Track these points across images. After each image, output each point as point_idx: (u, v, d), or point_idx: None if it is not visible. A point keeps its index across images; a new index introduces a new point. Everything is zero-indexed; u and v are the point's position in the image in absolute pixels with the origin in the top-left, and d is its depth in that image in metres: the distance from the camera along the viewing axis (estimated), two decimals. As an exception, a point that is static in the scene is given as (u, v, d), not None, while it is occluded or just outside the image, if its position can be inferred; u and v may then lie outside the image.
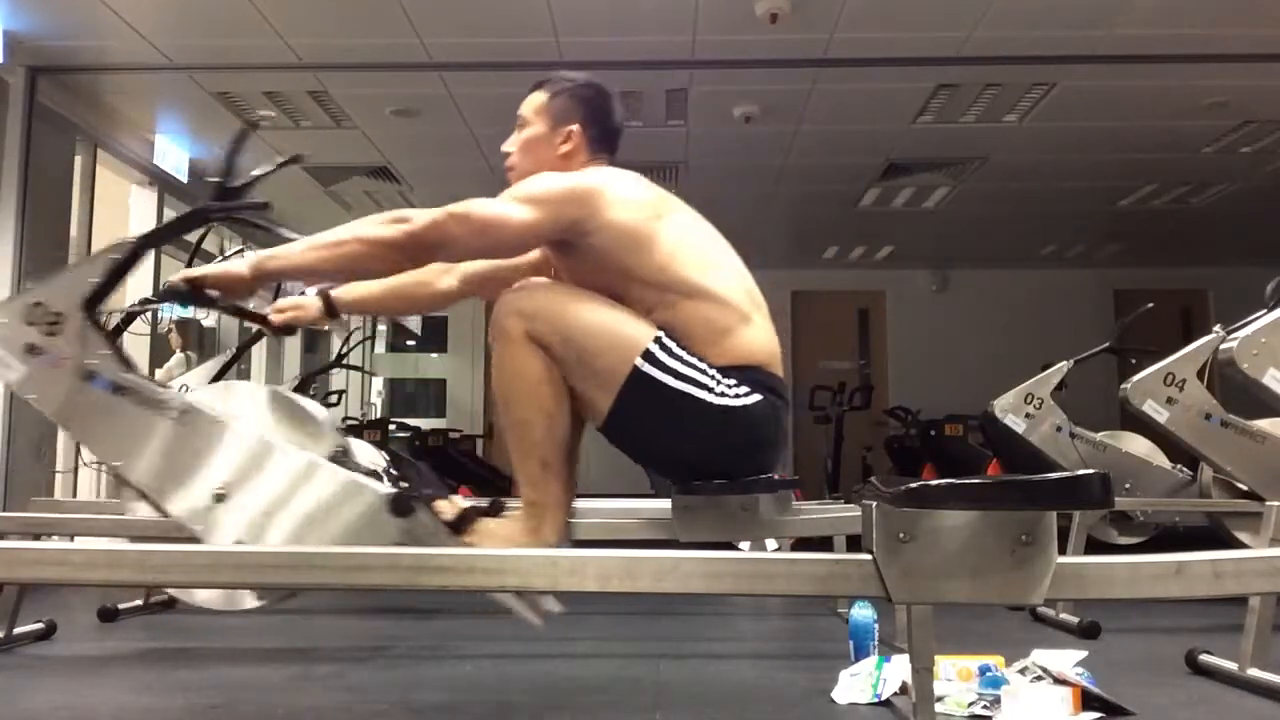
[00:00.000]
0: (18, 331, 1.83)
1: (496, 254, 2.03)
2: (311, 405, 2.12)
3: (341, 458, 1.91)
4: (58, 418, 1.88)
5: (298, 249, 1.79)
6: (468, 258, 2.05)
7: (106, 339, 1.85)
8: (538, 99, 2.07)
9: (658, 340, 1.81)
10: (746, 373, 1.87)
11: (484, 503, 1.91)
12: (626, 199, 1.89)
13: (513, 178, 2.03)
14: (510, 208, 1.82)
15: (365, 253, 1.76)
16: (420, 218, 1.76)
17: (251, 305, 2.11)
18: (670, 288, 1.87)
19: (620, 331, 1.82)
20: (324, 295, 2.23)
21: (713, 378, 1.83)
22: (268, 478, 1.80)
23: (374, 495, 1.77)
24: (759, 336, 1.92)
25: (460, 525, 1.80)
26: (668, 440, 1.87)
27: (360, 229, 1.77)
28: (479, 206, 1.80)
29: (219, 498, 1.80)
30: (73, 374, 1.81)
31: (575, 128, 2.03)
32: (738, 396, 1.84)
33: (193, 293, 1.82)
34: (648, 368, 1.79)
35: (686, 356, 1.82)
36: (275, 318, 2.20)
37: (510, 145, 2.10)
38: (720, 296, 1.90)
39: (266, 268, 1.79)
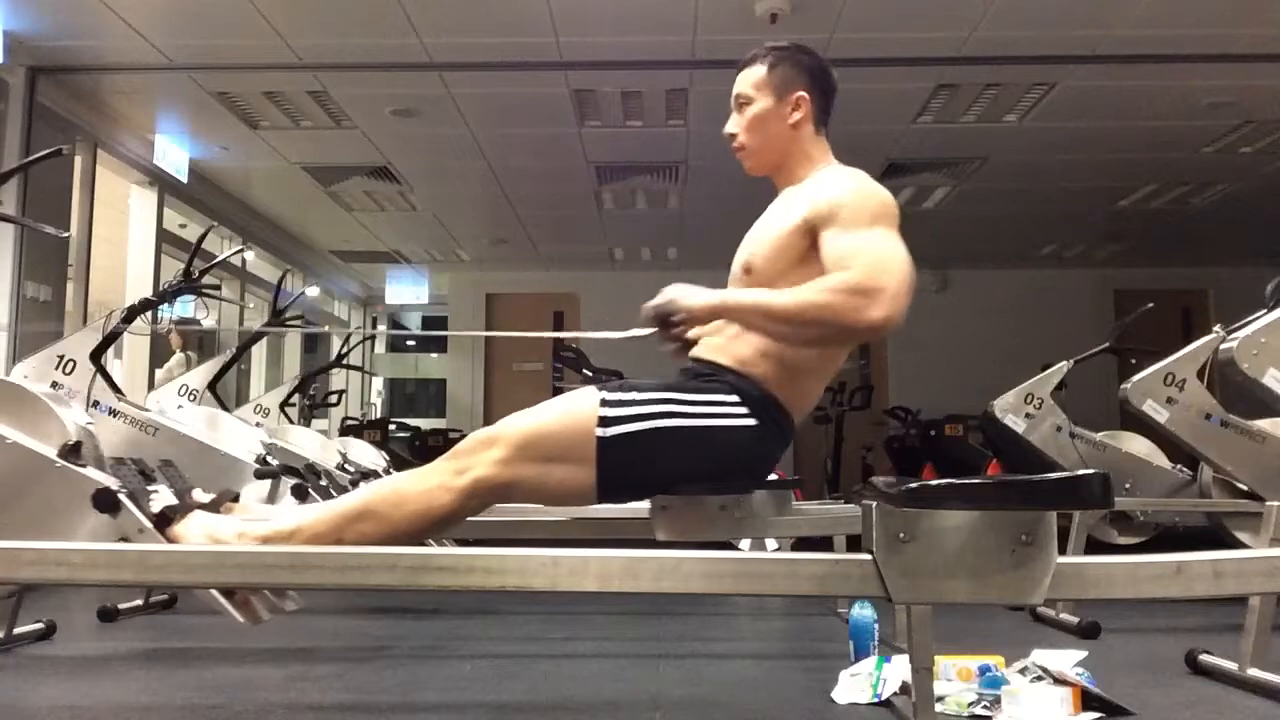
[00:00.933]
0: None
1: None
2: (52, 401, 2.13)
3: (70, 453, 1.93)
4: None
5: (757, 304, 1.77)
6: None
7: None
8: (756, 73, 2.01)
9: (603, 401, 1.78)
10: (760, 401, 1.84)
11: (207, 499, 1.95)
12: None
13: (744, 157, 2.03)
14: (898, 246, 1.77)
15: (825, 338, 1.78)
16: (889, 301, 1.67)
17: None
18: None
19: (565, 418, 1.79)
20: None
21: (676, 400, 1.80)
22: None
23: (79, 490, 1.83)
24: (811, 387, 1.93)
25: (164, 521, 1.81)
26: (658, 475, 1.84)
27: (833, 314, 1.68)
28: (897, 262, 1.73)
29: None
30: None
31: (803, 94, 1.98)
32: (727, 417, 1.81)
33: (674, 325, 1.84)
34: (610, 430, 1.75)
35: (639, 396, 1.79)
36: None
37: (734, 126, 2.03)
38: (834, 365, 1.93)
39: (730, 316, 1.82)
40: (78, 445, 1.97)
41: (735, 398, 1.82)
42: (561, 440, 1.77)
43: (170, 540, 1.79)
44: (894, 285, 1.68)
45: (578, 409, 1.79)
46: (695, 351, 1.95)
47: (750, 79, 2.01)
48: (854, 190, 1.87)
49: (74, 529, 1.84)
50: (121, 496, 1.84)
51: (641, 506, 2.45)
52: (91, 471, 1.92)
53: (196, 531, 1.80)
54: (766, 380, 1.85)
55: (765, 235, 1.95)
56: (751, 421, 1.82)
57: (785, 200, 2.00)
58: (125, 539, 1.81)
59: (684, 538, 2.09)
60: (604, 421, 1.76)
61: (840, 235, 1.78)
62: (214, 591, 1.78)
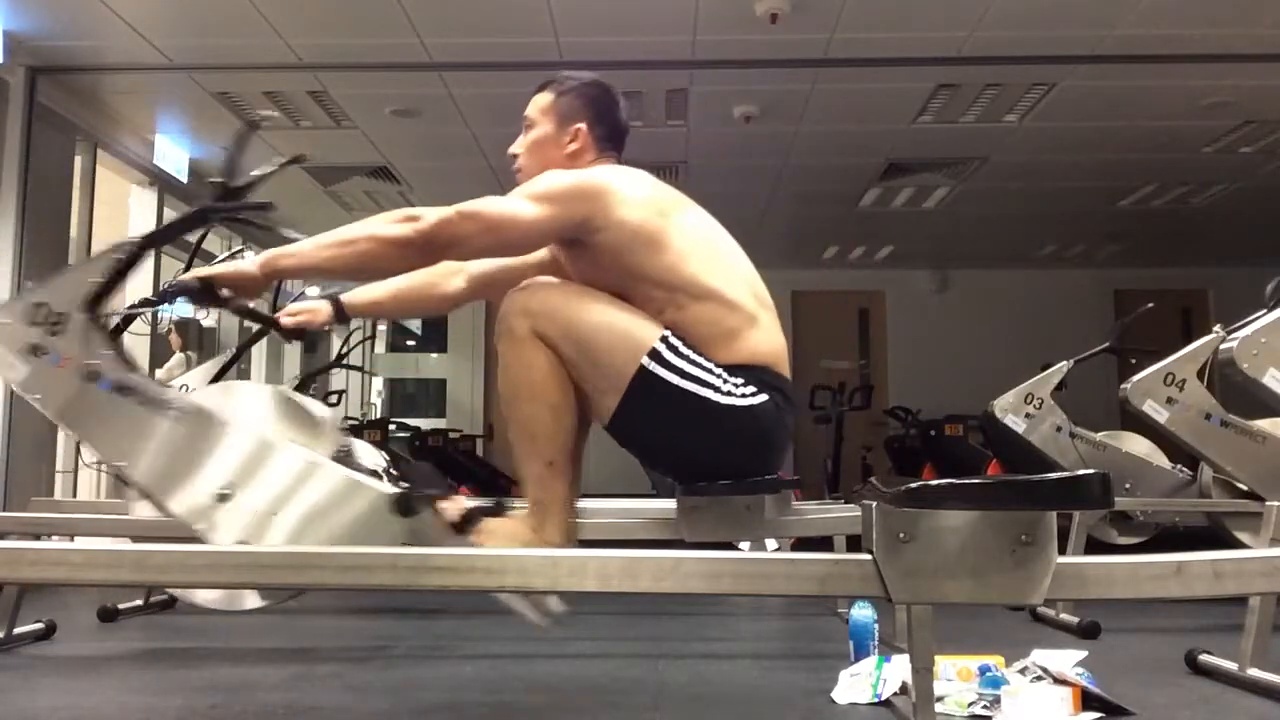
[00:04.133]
0: (20, 332, 1.83)
1: (506, 252, 2.03)
2: (314, 404, 2.14)
3: (344, 458, 1.92)
4: (60, 418, 1.88)
5: (308, 248, 1.78)
6: (477, 256, 2.04)
7: (109, 339, 1.85)
8: (543, 99, 2.08)
9: (664, 339, 1.81)
10: (753, 373, 1.87)
11: (488, 502, 1.91)
12: (636, 197, 1.89)
13: (521, 179, 2.04)
14: (519, 205, 1.82)
15: (375, 251, 1.75)
16: (430, 215, 1.75)
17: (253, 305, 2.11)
18: (679, 288, 1.87)
19: (627, 330, 1.82)
20: (334, 299, 2.22)
21: (720, 377, 1.83)
22: (270, 477, 1.80)
23: (377, 495, 1.78)
24: (766, 337, 1.93)
25: (464, 525, 1.80)
26: (674, 439, 1.87)
27: (370, 228, 1.76)
28: (488, 204, 1.81)
29: (222, 497, 1.80)
30: (76, 374, 1.81)
31: (582, 126, 2.04)
32: (745, 396, 1.84)
33: (204, 292, 1.81)
34: (654, 367, 1.79)
35: (694, 356, 1.83)
36: (286, 321, 2.19)
37: (517, 147, 2.11)
38: (728, 297, 1.90)
39: (277, 266, 1.78)
40: (349, 451, 1.97)
41: (739, 379, 1.85)
42: (608, 351, 1.80)
43: (474, 543, 1.77)
44: (436, 218, 1.75)
45: (638, 332, 1.82)
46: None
47: (538, 104, 2.09)
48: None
49: (384, 537, 1.76)
50: (419, 501, 1.79)
51: (641, 506, 2.46)
52: (363, 476, 1.86)
53: (492, 535, 1.79)
54: (720, 354, 1.86)
55: None
56: (763, 398, 1.85)
57: None
58: (421, 543, 1.73)
59: (711, 539, 2.10)
60: (655, 355, 1.79)
61: None
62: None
